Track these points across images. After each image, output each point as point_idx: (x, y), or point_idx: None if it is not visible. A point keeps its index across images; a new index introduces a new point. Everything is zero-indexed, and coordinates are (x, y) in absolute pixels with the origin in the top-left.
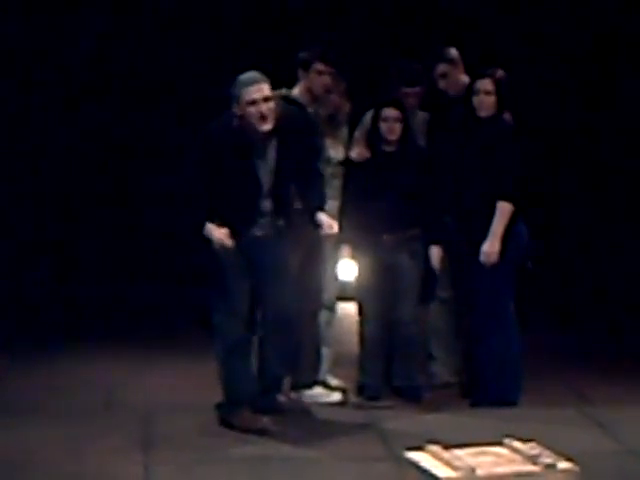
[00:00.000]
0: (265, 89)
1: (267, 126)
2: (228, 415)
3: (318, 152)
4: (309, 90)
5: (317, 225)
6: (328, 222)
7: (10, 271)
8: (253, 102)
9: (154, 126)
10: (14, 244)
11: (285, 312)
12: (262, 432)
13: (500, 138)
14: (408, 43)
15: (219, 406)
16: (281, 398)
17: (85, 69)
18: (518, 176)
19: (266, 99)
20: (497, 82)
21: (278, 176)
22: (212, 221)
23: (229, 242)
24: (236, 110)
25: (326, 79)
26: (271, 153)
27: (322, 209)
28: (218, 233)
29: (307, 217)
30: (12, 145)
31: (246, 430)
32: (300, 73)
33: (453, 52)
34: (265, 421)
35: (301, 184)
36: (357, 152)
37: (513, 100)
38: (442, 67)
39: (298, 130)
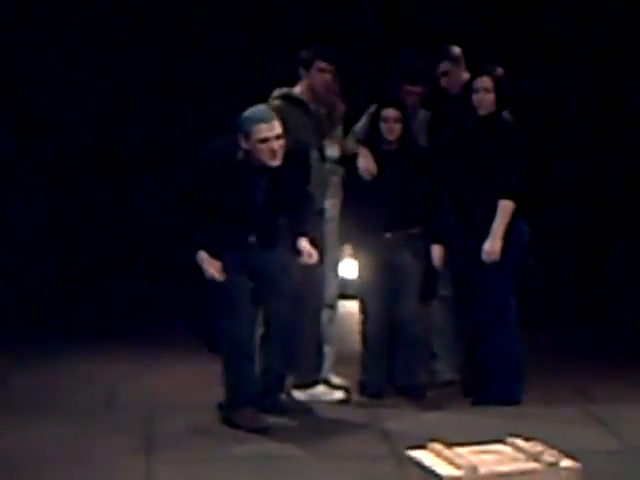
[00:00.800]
0: (277, 126)
1: (277, 162)
2: (231, 414)
3: (309, 177)
4: (311, 88)
5: (298, 252)
6: (308, 251)
7: (11, 271)
8: (265, 140)
9: (149, 129)
10: (14, 244)
11: (286, 312)
12: (264, 431)
13: (500, 136)
14: (411, 41)
15: (222, 405)
16: (283, 397)
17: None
18: (519, 174)
19: (278, 137)
20: (496, 80)
21: (273, 203)
22: (200, 236)
23: (221, 277)
24: (243, 144)
25: (327, 77)
26: (268, 179)
27: (305, 235)
28: (211, 266)
29: (291, 241)
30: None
31: (249, 429)
32: (301, 72)
33: (456, 50)
34: (268, 420)
35: (289, 206)
36: (365, 167)
37: (513, 97)
38: (444, 65)
39: (300, 166)
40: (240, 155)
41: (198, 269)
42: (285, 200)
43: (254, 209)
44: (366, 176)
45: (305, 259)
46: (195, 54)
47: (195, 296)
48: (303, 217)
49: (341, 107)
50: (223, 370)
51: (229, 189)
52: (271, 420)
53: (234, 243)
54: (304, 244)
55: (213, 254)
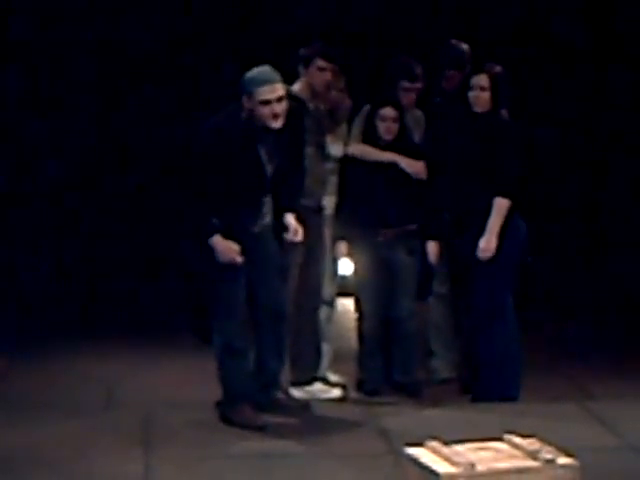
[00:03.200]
0: (279, 89)
1: (278, 124)
2: (228, 412)
3: (303, 151)
4: (310, 86)
5: (285, 227)
6: (295, 228)
7: (10, 270)
8: (267, 102)
9: (152, 129)
10: (14, 244)
11: (280, 308)
12: (262, 428)
13: (496, 134)
14: (410, 39)
15: (219, 403)
16: (281, 394)
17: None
18: (515, 172)
19: (279, 99)
20: (493, 78)
21: (279, 172)
22: (214, 221)
23: (239, 259)
24: (246, 104)
25: (327, 75)
26: (274, 148)
27: (293, 210)
28: (228, 250)
29: (279, 215)
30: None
31: (246, 427)
32: (301, 69)
33: (465, 55)
34: (265, 418)
35: (285, 180)
36: (417, 171)
37: (510, 95)
38: (452, 73)
39: (297, 128)
40: (244, 115)
41: (196, 263)
42: (283, 169)
43: (265, 180)
44: (422, 177)
45: (291, 236)
46: (192, 52)
47: (193, 291)
48: (292, 191)
49: (345, 103)
50: (218, 368)
51: (237, 153)
52: (269, 418)
53: (242, 225)
54: (291, 220)
55: (227, 237)
